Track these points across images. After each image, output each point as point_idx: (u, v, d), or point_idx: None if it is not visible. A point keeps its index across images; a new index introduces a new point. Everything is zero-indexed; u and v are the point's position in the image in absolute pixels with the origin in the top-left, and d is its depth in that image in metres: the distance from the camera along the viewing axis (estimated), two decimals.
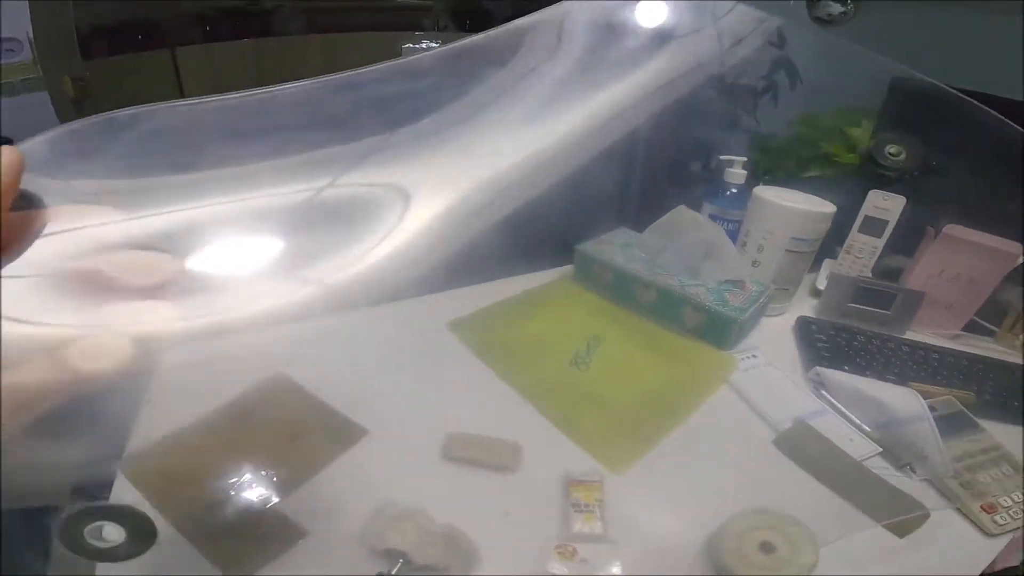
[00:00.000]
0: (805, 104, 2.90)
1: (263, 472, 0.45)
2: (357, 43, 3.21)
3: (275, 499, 0.43)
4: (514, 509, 0.44)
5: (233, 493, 0.43)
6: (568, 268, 0.76)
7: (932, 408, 0.53)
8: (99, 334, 0.19)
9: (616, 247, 0.72)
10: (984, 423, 0.55)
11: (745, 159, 0.71)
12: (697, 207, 0.75)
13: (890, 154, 0.65)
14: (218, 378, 0.53)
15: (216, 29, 2.90)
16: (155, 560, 0.40)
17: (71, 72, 1.87)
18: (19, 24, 1.75)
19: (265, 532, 0.41)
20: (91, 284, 0.20)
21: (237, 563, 0.39)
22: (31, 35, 1.75)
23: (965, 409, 0.55)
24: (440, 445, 0.48)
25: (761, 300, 0.64)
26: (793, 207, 0.64)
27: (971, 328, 0.73)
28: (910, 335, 0.71)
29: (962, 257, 0.69)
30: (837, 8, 2.58)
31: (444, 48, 0.38)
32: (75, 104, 1.86)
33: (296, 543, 0.40)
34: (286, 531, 0.41)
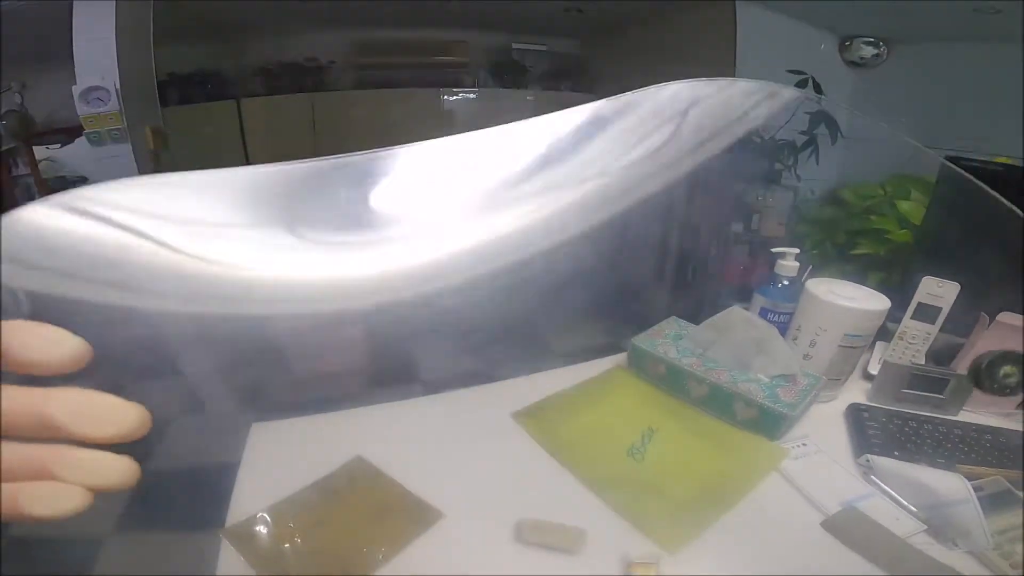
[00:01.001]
0: (846, 160, 2.88)
1: (353, 548, 0.50)
2: (402, 97, 3.39)
3: (367, 573, 0.47)
4: None
5: (327, 567, 0.48)
6: (622, 356, 0.80)
7: (979, 488, 0.55)
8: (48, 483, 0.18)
9: (669, 340, 0.76)
10: None
11: (797, 251, 0.74)
12: (744, 294, 0.78)
13: (1004, 375, 0.68)
14: (305, 458, 0.59)
15: (276, 82, 3.11)
16: None
17: (151, 122, 2.01)
18: (107, 73, 1.88)
19: None
20: (39, 430, 0.18)
21: None
22: (118, 85, 1.88)
23: (1012, 487, 0.56)
24: (511, 529, 0.51)
25: (813, 392, 0.66)
26: (847, 306, 0.66)
27: None
28: (964, 415, 0.71)
29: (1016, 342, 0.69)
30: (870, 51, 2.65)
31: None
32: (153, 155, 2.00)
33: None
34: None
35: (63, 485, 0.18)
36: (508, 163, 0.38)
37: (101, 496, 0.19)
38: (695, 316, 0.80)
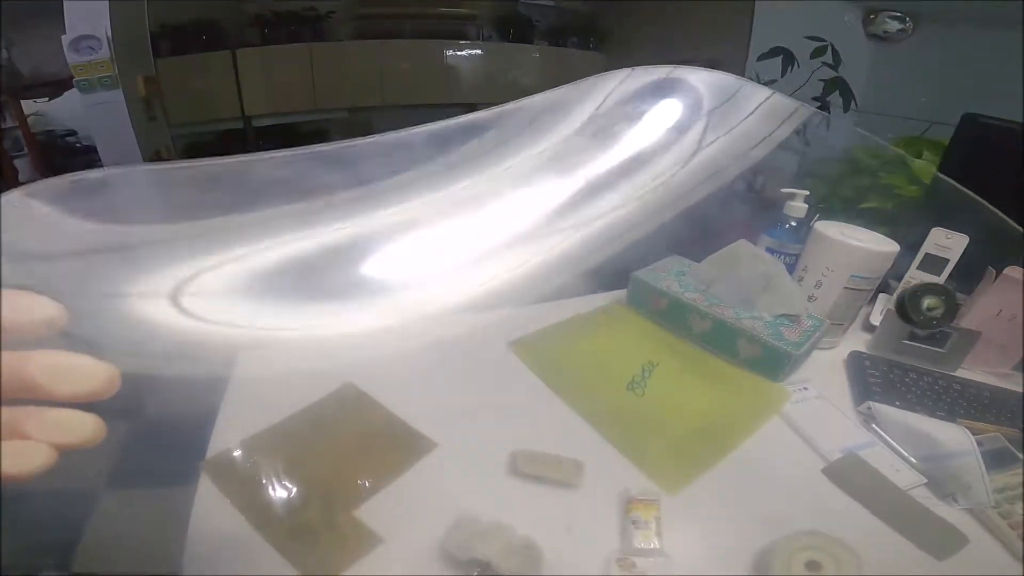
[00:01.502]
0: (857, 128, 2.82)
1: (339, 478, 0.49)
2: (403, 49, 3.29)
3: (351, 505, 0.46)
4: (576, 524, 0.46)
5: (311, 497, 0.47)
6: (621, 293, 0.78)
7: (979, 443, 0.55)
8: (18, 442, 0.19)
9: (671, 275, 0.74)
10: None
11: (807, 192, 0.71)
12: (750, 236, 0.76)
13: (927, 309, 0.66)
14: (291, 389, 0.58)
15: (274, 32, 3.02)
16: (237, 558, 0.43)
17: (143, 71, 1.96)
18: (99, 23, 1.83)
19: (343, 537, 0.44)
20: (17, 392, 0.19)
21: (315, 565, 0.42)
22: (109, 33, 1.83)
23: (1010, 445, 0.56)
24: (506, 460, 0.51)
25: (816, 335, 0.64)
26: (856, 245, 0.64)
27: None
28: (961, 372, 0.71)
29: (1021, 299, 0.68)
30: (895, 25, 2.55)
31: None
32: (145, 103, 1.95)
33: (373, 549, 0.43)
34: (363, 537, 0.44)
35: (32, 443, 0.19)
36: None
37: (88, 453, 0.20)
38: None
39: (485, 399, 0.59)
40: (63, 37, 1.75)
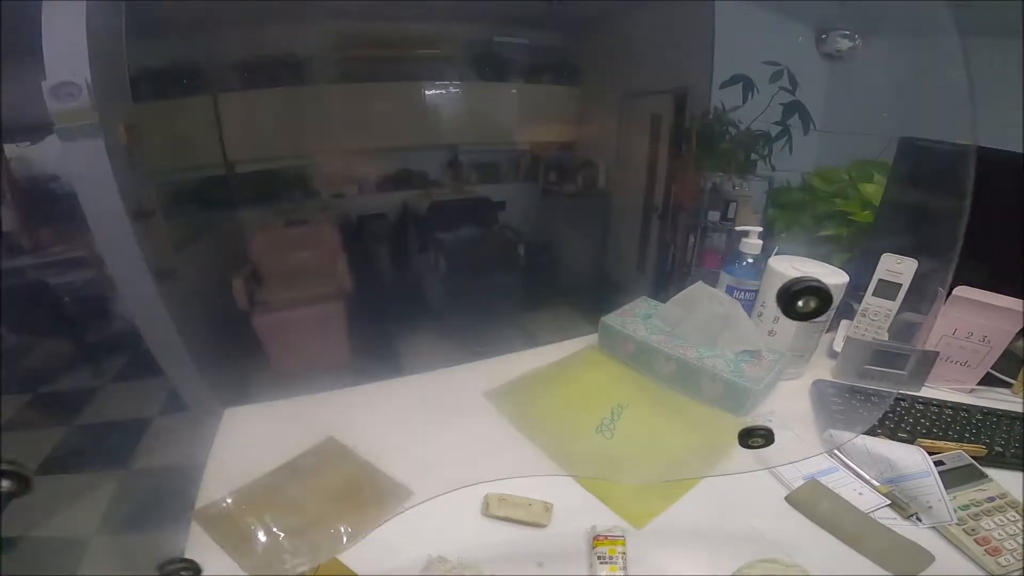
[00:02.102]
0: (819, 149, 2.91)
1: (323, 525, 0.51)
2: (383, 92, 3.36)
3: (335, 550, 0.48)
4: (546, 561, 0.49)
5: (298, 544, 0.49)
6: (594, 336, 0.81)
7: (940, 462, 0.58)
8: None
9: (638, 318, 0.77)
10: (994, 472, 0.59)
11: (760, 229, 0.75)
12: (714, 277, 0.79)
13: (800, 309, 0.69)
14: (275, 443, 0.60)
15: (254, 77, 3.07)
16: None
17: (124, 117, 1.98)
18: (79, 68, 1.85)
19: None
20: None
21: None
22: (90, 80, 1.85)
23: (974, 461, 0.59)
24: (479, 504, 0.53)
25: (777, 368, 0.67)
26: None
27: (988, 381, 0.76)
28: (926, 391, 0.74)
29: (975, 317, 0.72)
30: (845, 43, 2.66)
31: None
32: (126, 150, 1.97)
33: None
34: None
35: None
36: None
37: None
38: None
39: (461, 447, 0.62)
40: (43, 83, 1.75)
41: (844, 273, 0.70)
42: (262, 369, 2.41)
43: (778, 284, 0.70)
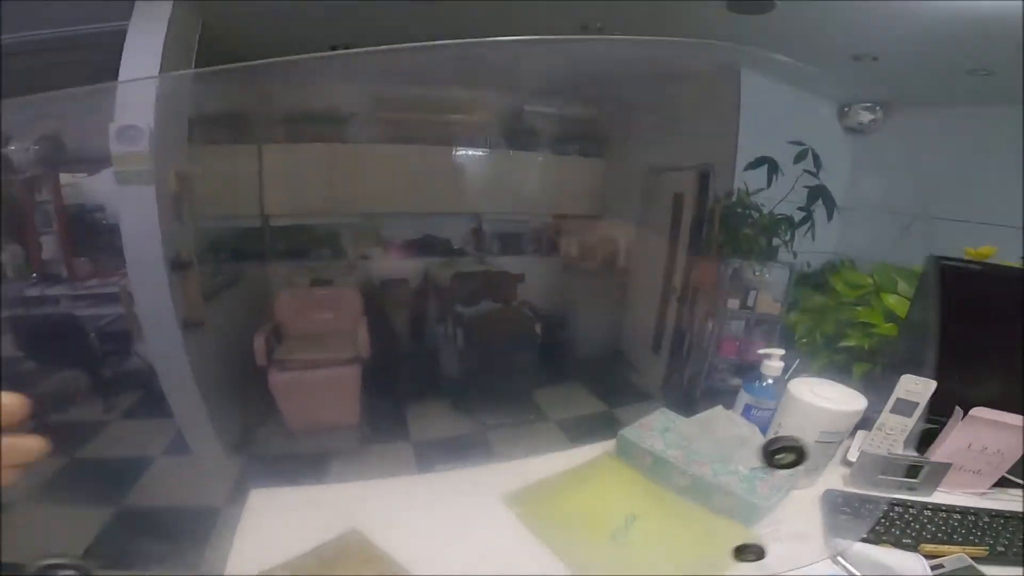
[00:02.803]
0: (843, 233, 2.92)
1: None
2: (416, 153, 3.50)
3: None
4: None
5: None
6: (611, 442, 0.83)
7: (940, 566, 0.59)
8: None
9: (656, 432, 0.79)
10: (995, 570, 0.60)
11: (783, 351, 0.77)
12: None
13: (780, 460, 0.72)
14: (300, 528, 0.62)
15: (298, 130, 3.23)
16: None
17: (178, 163, 2.06)
18: (144, 113, 1.92)
19: None
20: None
21: None
22: (152, 125, 1.92)
23: (974, 563, 0.60)
24: None
25: (789, 484, 0.69)
26: (823, 408, 0.70)
27: (1001, 482, 0.77)
28: (938, 496, 0.75)
29: (989, 434, 0.73)
30: (867, 116, 2.76)
31: None
32: (176, 197, 2.05)
33: None
34: None
35: None
36: None
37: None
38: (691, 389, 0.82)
39: (479, 549, 0.63)
40: (110, 125, 1.83)
41: (862, 397, 0.72)
42: (272, 426, 2.42)
43: (796, 409, 0.73)
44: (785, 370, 0.77)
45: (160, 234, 1.86)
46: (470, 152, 3.63)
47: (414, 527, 0.64)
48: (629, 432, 0.80)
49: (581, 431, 0.85)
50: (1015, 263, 1.25)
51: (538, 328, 2.75)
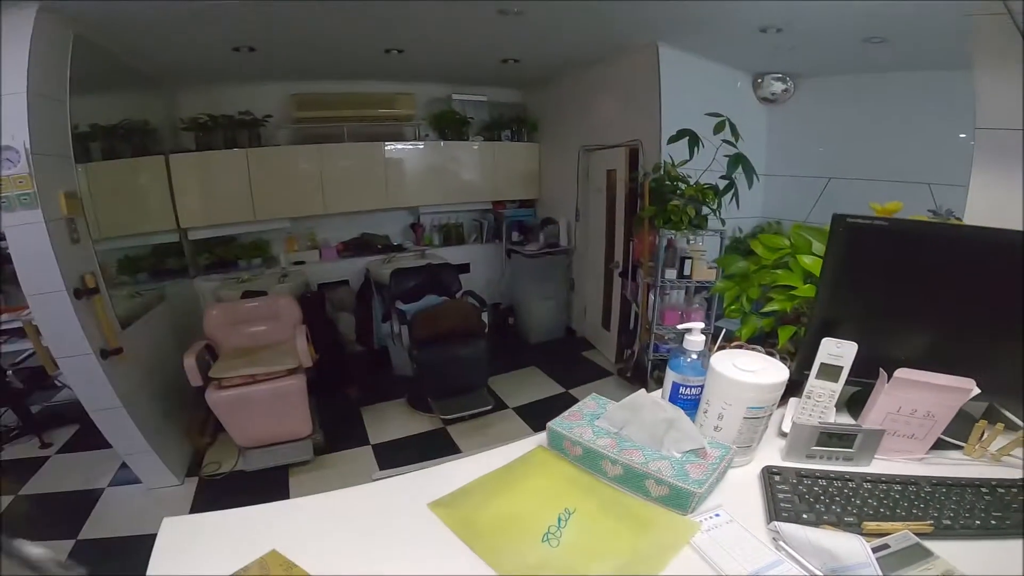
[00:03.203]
0: (767, 198, 3.02)
1: None
2: (343, 152, 3.36)
3: None
4: None
5: None
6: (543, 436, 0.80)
7: (885, 545, 0.57)
8: None
9: (585, 421, 0.76)
10: (944, 545, 0.59)
11: (703, 325, 0.76)
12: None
13: None
14: (217, 554, 0.58)
15: (209, 137, 3.02)
16: None
17: (64, 183, 1.85)
18: (18, 132, 1.72)
19: None
20: None
21: None
22: (28, 145, 1.72)
23: (920, 540, 0.58)
24: None
25: (723, 464, 0.67)
26: (746, 382, 0.68)
27: (939, 445, 0.76)
28: (876, 465, 0.74)
29: (917, 395, 0.73)
30: (779, 86, 2.88)
31: None
32: (68, 222, 1.86)
33: None
34: None
35: None
36: None
37: None
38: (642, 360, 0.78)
39: (404, 560, 0.59)
40: None
41: (784, 368, 0.71)
42: (223, 444, 2.31)
43: (721, 385, 0.70)
44: (713, 341, 0.76)
45: (56, 261, 1.69)
46: (402, 146, 3.54)
47: (336, 542, 0.60)
48: (557, 424, 0.77)
49: (542, 415, 0.81)
50: (922, 216, 1.28)
51: (485, 317, 2.71)
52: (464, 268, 3.76)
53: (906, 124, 2.55)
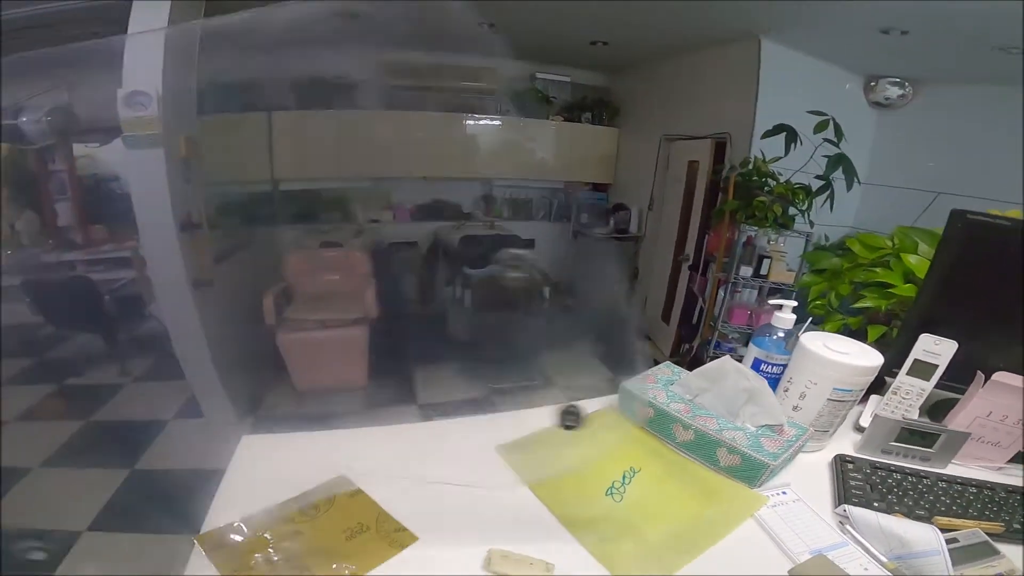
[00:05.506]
0: (863, 206, 2.83)
1: (324, 564, 0.51)
2: (426, 121, 3.46)
3: None
4: None
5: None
6: (614, 397, 0.81)
7: (955, 540, 0.56)
8: None
9: (660, 385, 0.76)
10: (1011, 548, 0.58)
11: (795, 303, 0.74)
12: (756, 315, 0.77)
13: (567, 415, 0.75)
14: (289, 475, 0.61)
15: (307, 97, 3.20)
16: None
17: (186, 129, 2.07)
18: (153, 79, 1.93)
19: None
20: None
21: None
22: (160, 91, 1.93)
23: (989, 539, 0.57)
24: (482, 557, 0.52)
25: (797, 443, 0.66)
26: (838, 361, 0.66)
27: (1018, 458, 0.73)
28: (952, 468, 0.71)
29: (1012, 402, 0.69)
30: (895, 91, 2.65)
31: None
32: (184, 163, 2.05)
33: None
34: None
35: None
36: None
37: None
38: (700, 358, 0.79)
39: (470, 499, 0.61)
40: (118, 91, 1.85)
41: (878, 354, 0.68)
42: (282, 388, 2.45)
43: (809, 362, 0.69)
44: (797, 326, 0.74)
45: (170, 196, 1.86)
46: (482, 119, 3.59)
47: (405, 475, 0.63)
48: (631, 384, 0.77)
49: (586, 397, 0.82)
50: None
51: (547, 292, 2.73)
52: (530, 243, 3.79)
53: None
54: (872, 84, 2.75)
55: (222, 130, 2.48)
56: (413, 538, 0.54)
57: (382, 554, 0.52)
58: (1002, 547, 0.57)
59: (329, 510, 0.58)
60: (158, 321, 2.41)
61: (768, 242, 2.37)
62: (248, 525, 0.54)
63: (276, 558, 0.51)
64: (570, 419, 0.74)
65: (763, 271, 2.34)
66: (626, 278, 3.70)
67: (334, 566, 0.51)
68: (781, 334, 0.74)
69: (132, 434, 2.22)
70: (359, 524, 0.56)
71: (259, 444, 0.68)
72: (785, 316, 0.73)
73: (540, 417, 0.76)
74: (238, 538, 0.53)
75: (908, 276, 1.03)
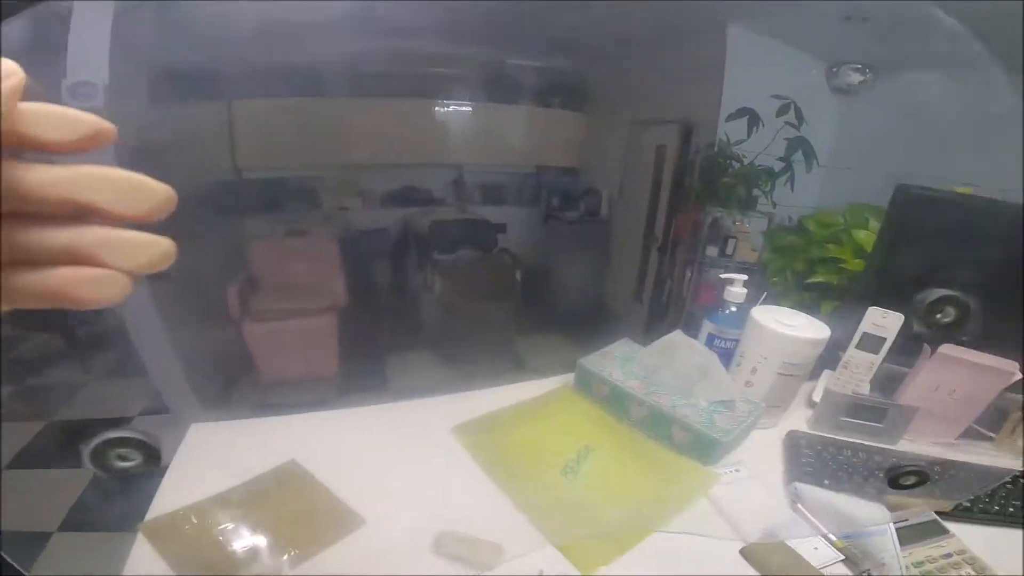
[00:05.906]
0: (824, 188, 2.88)
1: (268, 548, 0.50)
2: (394, 107, 3.39)
3: (277, 573, 0.48)
4: None
5: (242, 563, 0.48)
6: (571, 375, 0.80)
7: (903, 519, 0.57)
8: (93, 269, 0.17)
9: (616, 362, 0.76)
10: (960, 527, 0.59)
11: (745, 277, 0.74)
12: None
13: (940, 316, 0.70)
14: (237, 461, 0.60)
15: (269, 84, 3.11)
16: None
17: (137, 120, 1.99)
18: (99, 68, 1.86)
19: None
20: (73, 212, 0.18)
21: None
22: (106, 80, 1.86)
23: (938, 517, 0.59)
24: (430, 539, 0.52)
25: (750, 419, 0.67)
26: (786, 334, 0.67)
27: (969, 433, 0.75)
28: (904, 444, 0.73)
29: (958, 375, 0.71)
30: (856, 77, 2.66)
31: None
32: (135, 152, 1.97)
33: None
34: None
35: (110, 272, 0.18)
36: None
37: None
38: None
39: (421, 481, 0.61)
40: (63, 81, 1.77)
41: (826, 327, 0.69)
42: (248, 379, 2.40)
43: (759, 336, 0.70)
44: (751, 301, 0.75)
45: None
46: (451, 105, 3.53)
47: (356, 458, 0.62)
48: (588, 361, 0.77)
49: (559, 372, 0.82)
50: None
51: (518, 275, 2.72)
52: (501, 228, 3.77)
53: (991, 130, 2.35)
54: (834, 70, 2.80)
55: (178, 119, 2.39)
56: (361, 521, 0.54)
57: (327, 537, 0.52)
58: (951, 526, 0.58)
59: (278, 496, 0.57)
60: (116, 317, 2.33)
61: (733, 222, 2.41)
62: (193, 513, 0.53)
63: (221, 545, 0.50)
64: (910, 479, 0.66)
65: (729, 251, 2.38)
66: (597, 260, 3.72)
67: (278, 552, 0.50)
68: (733, 308, 0.74)
69: (96, 433, 2.16)
70: (307, 508, 0.55)
71: (208, 431, 0.66)
72: (736, 290, 0.73)
73: (494, 398, 0.75)
74: (183, 526, 0.52)
75: (857, 251, 1.05)
